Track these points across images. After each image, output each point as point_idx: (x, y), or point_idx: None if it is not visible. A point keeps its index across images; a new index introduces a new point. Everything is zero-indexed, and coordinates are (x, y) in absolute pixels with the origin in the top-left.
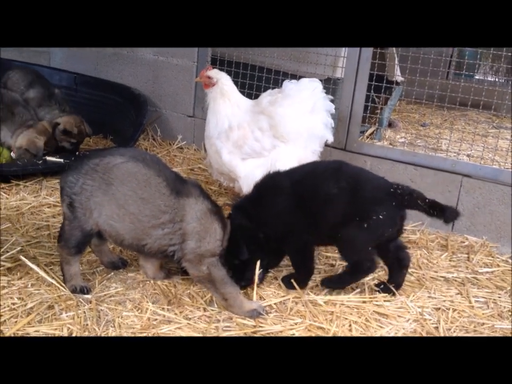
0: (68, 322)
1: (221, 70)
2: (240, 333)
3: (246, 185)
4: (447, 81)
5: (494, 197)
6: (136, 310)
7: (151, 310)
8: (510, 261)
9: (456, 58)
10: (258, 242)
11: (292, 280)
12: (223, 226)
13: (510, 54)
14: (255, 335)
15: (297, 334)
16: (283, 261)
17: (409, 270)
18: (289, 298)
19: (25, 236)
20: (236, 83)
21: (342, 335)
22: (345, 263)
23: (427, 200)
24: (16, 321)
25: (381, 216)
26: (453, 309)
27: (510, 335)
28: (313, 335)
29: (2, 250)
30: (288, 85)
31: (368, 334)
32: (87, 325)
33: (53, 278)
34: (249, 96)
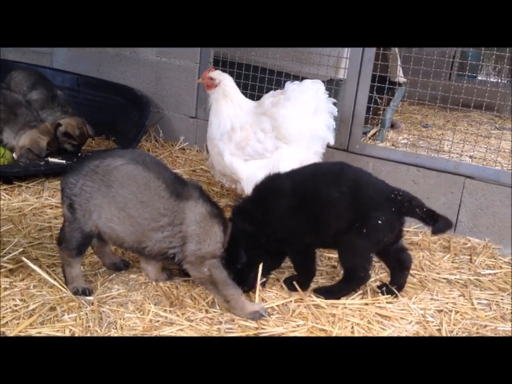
0: (70, 324)
1: (224, 71)
2: (242, 335)
3: (248, 186)
4: (450, 82)
5: (497, 199)
6: (138, 312)
7: (153, 311)
8: None
9: (459, 59)
10: (260, 246)
11: (294, 282)
12: (224, 228)
13: None
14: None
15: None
16: (285, 263)
17: (412, 272)
18: (291, 301)
19: (27, 237)
20: (238, 84)
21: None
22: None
23: (425, 209)
24: (18, 323)
25: (380, 222)
26: (455, 311)
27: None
28: None
29: (4, 251)
30: (291, 86)
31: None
32: (89, 326)
33: (55, 279)
34: (252, 97)
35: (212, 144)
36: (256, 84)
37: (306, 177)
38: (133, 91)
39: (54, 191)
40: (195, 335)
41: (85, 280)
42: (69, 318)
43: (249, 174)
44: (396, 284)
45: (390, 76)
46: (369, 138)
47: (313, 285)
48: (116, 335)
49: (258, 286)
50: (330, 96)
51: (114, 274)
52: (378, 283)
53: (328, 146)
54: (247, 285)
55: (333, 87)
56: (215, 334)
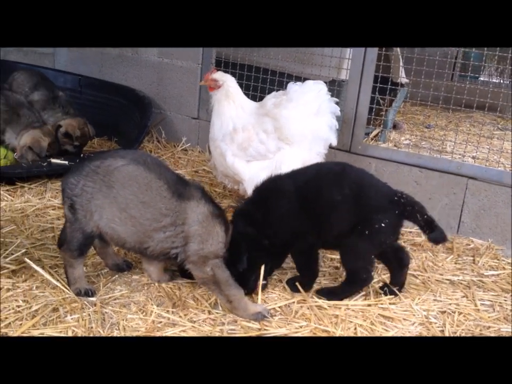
0: (73, 325)
1: (226, 72)
2: (245, 336)
3: (251, 187)
4: (452, 83)
5: (500, 199)
6: (140, 313)
7: (155, 312)
8: None
9: (461, 60)
10: (262, 249)
11: (297, 283)
12: (226, 228)
13: None
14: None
15: None
16: (288, 263)
17: (415, 273)
18: (294, 302)
19: (30, 238)
20: (240, 85)
21: None
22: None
23: (425, 216)
24: (21, 324)
25: (383, 225)
26: (458, 312)
27: None
28: None
29: (7, 252)
30: (293, 87)
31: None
32: (91, 327)
33: (57, 280)
34: (254, 98)
35: (214, 145)
36: (258, 85)
37: (308, 177)
38: (135, 92)
39: (57, 192)
40: (198, 336)
41: (88, 281)
42: (72, 319)
43: (251, 175)
44: (397, 282)
45: (392, 76)
46: (372, 139)
47: (316, 286)
48: (118, 336)
49: (260, 287)
50: (332, 97)
51: (116, 275)
52: (381, 284)
53: (331, 147)
54: (248, 288)
55: (335, 88)
56: (217, 335)
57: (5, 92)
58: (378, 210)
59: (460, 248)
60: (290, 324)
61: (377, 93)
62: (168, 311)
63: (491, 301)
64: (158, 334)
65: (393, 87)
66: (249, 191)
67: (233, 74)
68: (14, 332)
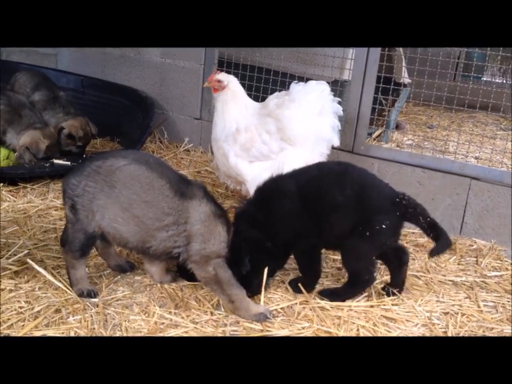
0: (75, 326)
1: (228, 72)
2: (247, 336)
3: (253, 188)
4: (455, 83)
5: (503, 200)
6: (143, 314)
7: (158, 313)
8: None
9: (464, 60)
10: (266, 251)
11: (299, 284)
12: (228, 228)
13: None
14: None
15: None
16: (290, 264)
17: (417, 274)
18: (296, 303)
19: (33, 239)
20: (242, 85)
21: None
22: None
23: (428, 219)
24: (23, 325)
25: (384, 226)
26: (461, 313)
27: None
28: None
29: (9, 253)
30: (296, 87)
31: None
32: (94, 328)
33: (60, 281)
34: (256, 98)
35: (217, 145)
36: (260, 85)
37: (310, 177)
38: (138, 92)
39: (59, 193)
40: (200, 336)
41: (90, 282)
42: (74, 320)
43: (254, 176)
44: (397, 282)
45: (395, 77)
46: (374, 140)
47: (318, 287)
48: (120, 336)
49: (263, 289)
50: (335, 97)
51: (119, 276)
52: (383, 285)
53: (333, 147)
54: (251, 290)
55: (338, 88)
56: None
57: (7, 92)
58: (380, 212)
59: (463, 249)
60: (293, 325)
61: (379, 93)
62: (170, 312)
63: (494, 302)
64: (160, 335)
65: (395, 87)
66: (252, 191)
67: (236, 75)
68: (16, 333)
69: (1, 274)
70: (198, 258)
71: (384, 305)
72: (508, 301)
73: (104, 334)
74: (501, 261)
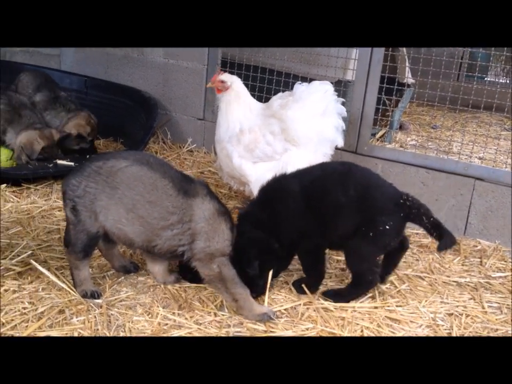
0: (79, 327)
1: (231, 73)
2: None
3: (257, 188)
4: (459, 83)
5: (507, 200)
6: (146, 315)
7: (161, 314)
8: None
9: (468, 60)
10: (270, 252)
11: (303, 285)
12: (231, 226)
13: None
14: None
15: None
16: (294, 265)
17: (421, 275)
18: (300, 304)
19: (36, 240)
20: (246, 86)
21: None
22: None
23: (431, 219)
24: (27, 326)
25: (387, 227)
26: (465, 314)
27: None
28: None
29: (13, 254)
30: (299, 87)
31: None
32: (97, 329)
33: (63, 282)
34: (260, 99)
35: (220, 146)
36: (264, 86)
37: (313, 177)
38: (141, 93)
39: None
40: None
41: (94, 282)
42: (78, 321)
43: (258, 176)
44: (391, 263)
45: (398, 77)
46: (378, 140)
47: (322, 288)
48: (124, 336)
49: (267, 290)
50: (338, 97)
51: (122, 277)
52: (388, 285)
53: (337, 148)
54: (255, 291)
55: (341, 88)
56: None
57: (8, 92)
58: (383, 212)
59: (467, 249)
60: (297, 326)
61: (383, 93)
62: (174, 313)
63: (498, 303)
64: (163, 336)
65: (399, 87)
66: (256, 192)
67: (239, 75)
68: (20, 334)
69: (5, 275)
70: (203, 256)
71: (388, 306)
72: None
73: (108, 335)
74: (505, 261)
